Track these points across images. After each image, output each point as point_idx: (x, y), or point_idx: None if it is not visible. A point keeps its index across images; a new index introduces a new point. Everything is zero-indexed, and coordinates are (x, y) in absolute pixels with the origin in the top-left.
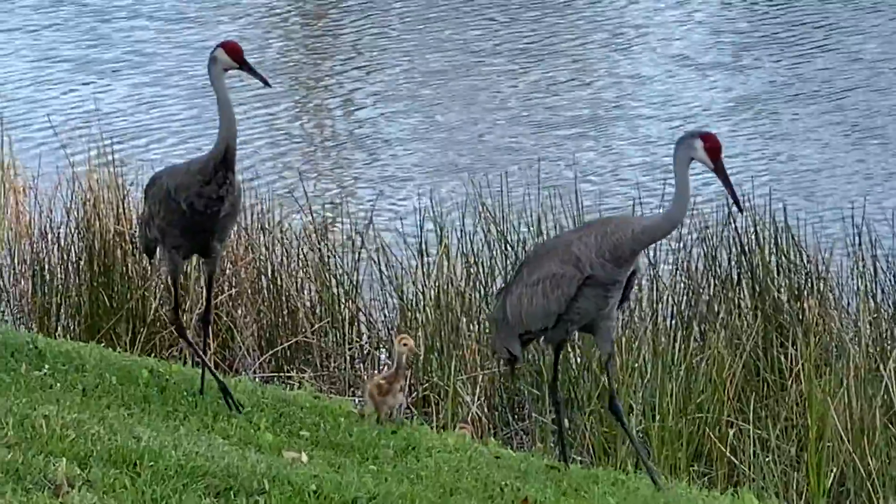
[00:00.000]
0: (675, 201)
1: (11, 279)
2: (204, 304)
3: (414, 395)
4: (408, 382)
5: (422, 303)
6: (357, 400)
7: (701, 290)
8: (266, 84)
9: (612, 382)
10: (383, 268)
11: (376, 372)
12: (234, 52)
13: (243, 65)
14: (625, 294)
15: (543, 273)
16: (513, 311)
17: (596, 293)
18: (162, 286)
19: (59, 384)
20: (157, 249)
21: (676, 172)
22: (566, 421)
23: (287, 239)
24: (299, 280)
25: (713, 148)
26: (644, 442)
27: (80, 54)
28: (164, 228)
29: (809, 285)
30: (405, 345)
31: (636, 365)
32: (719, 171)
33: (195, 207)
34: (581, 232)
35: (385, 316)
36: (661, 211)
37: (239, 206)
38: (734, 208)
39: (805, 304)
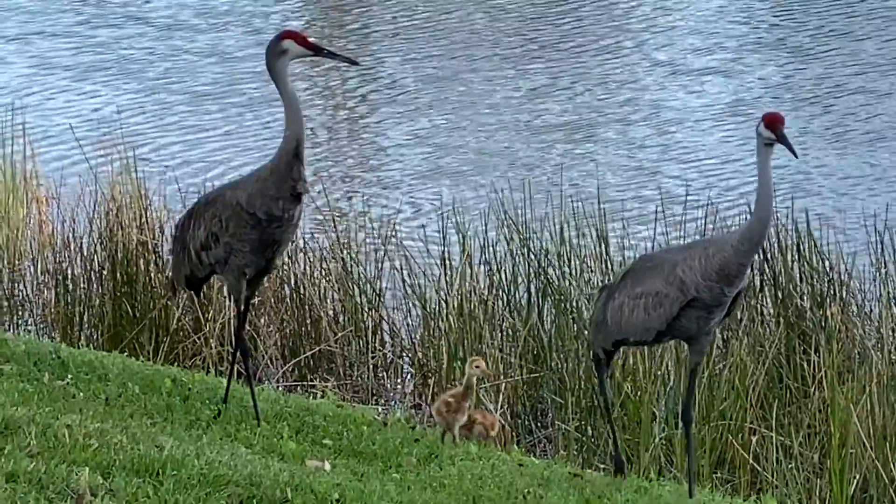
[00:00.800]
0: (756, 197)
1: (35, 289)
2: (239, 324)
3: None
4: (431, 392)
5: (444, 311)
6: (380, 408)
7: None
8: (353, 63)
9: (692, 391)
10: (406, 276)
11: (398, 383)
12: (303, 39)
13: (318, 51)
14: (729, 310)
15: (647, 288)
16: (613, 318)
17: (699, 314)
18: (185, 295)
19: (81, 393)
20: (193, 281)
21: (758, 164)
22: (590, 429)
23: (310, 248)
24: (322, 289)
25: (771, 122)
26: (667, 449)
27: (92, 61)
28: (234, 246)
29: (832, 292)
30: (477, 367)
31: (659, 373)
32: (778, 134)
33: (273, 214)
34: (685, 254)
35: (408, 325)
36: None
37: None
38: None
39: (828, 311)
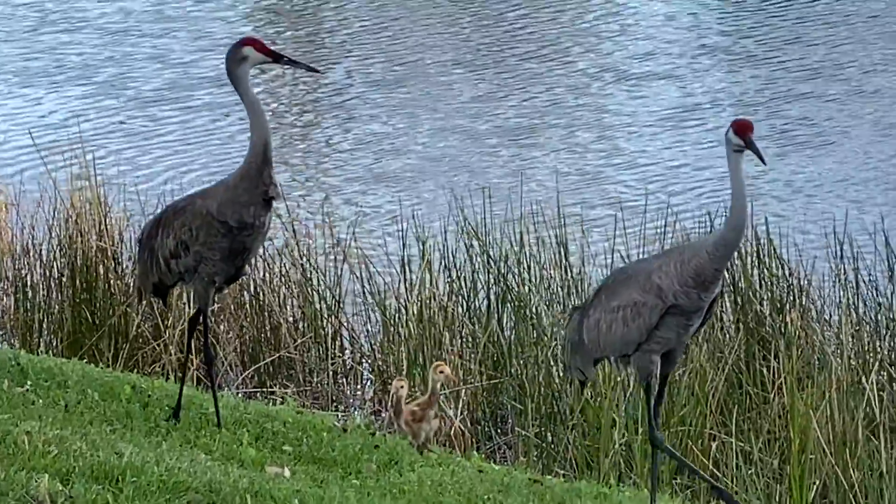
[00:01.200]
0: (731, 204)
1: None
2: (203, 332)
3: None
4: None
5: (404, 317)
6: (339, 415)
7: None
8: (315, 71)
9: (662, 399)
10: (365, 282)
11: (358, 389)
12: (263, 46)
13: (278, 58)
14: (705, 318)
15: (624, 300)
16: (590, 336)
17: (678, 322)
18: (145, 303)
19: (41, 400)
20: (158, 290)
21: (729, 171)
22: (550, 435)
23: (269, 254)
24: (282, 295)
25: (741, 129)
26: (627, 455)
27: (40, 67)
28: (204, 255)
29: (791, 298)
30: (441, 372)
31: (619, 378)
32: (748, 144)
33: (244, 221)
34: (660, 261)
35: (368, 331)
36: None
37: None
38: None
39: (787, 317)
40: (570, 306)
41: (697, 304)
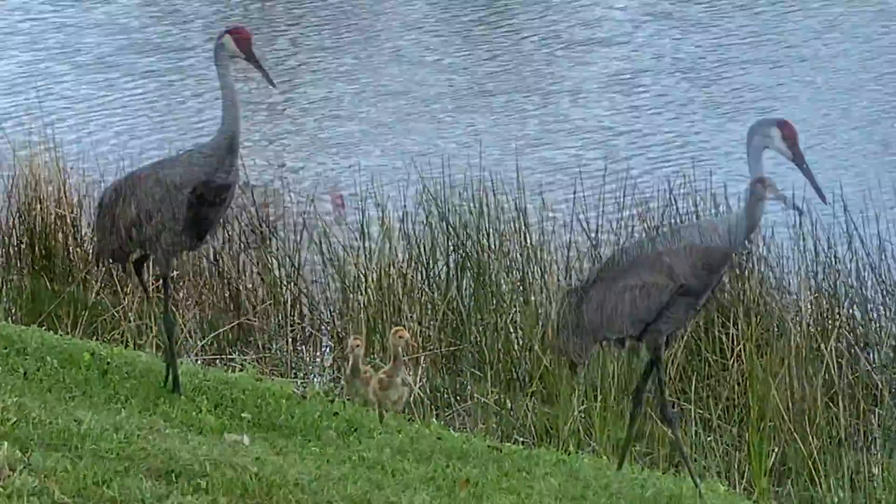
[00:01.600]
0: (749, 191)
1: None
2: (164, 299)
3: None
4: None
5: (363, 284)
6: (299, 382)
7: None
8: (270, 83)
9: (651, 375)
10: (324, 249)
11: (317, 356)
12: (242, 41)
13: (250, 57)
14: (709, 298)
15: (632, 281)
16: (591, 318)
17: (688, 301)
18: (103, 270)
19: (0, 368)
20: (125, 256)
21: (750, 163)
22: (509, 402)
23: (228, 221)
24: (241, 262)
25: (791, 136)
26: (586, 422)
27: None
28: (167, 225)
29: (750, 265)
30: (401, 337)
31: None
32: (799, 159)
33: (205, 198)
34: (668, 241)
35: (327, 298)
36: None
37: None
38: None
39: (746, 284)
40: (565, 288)
41: (706, 285)
